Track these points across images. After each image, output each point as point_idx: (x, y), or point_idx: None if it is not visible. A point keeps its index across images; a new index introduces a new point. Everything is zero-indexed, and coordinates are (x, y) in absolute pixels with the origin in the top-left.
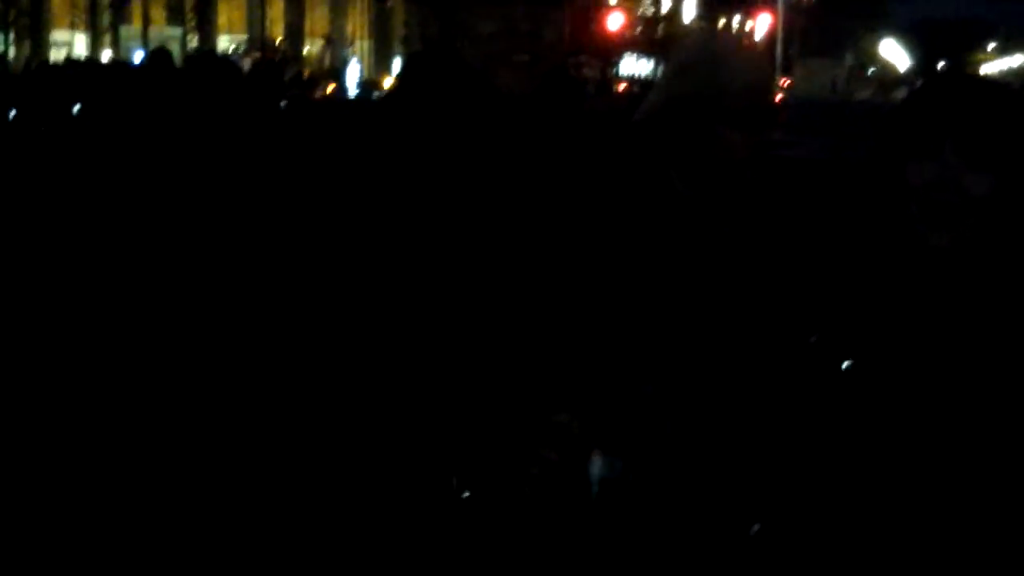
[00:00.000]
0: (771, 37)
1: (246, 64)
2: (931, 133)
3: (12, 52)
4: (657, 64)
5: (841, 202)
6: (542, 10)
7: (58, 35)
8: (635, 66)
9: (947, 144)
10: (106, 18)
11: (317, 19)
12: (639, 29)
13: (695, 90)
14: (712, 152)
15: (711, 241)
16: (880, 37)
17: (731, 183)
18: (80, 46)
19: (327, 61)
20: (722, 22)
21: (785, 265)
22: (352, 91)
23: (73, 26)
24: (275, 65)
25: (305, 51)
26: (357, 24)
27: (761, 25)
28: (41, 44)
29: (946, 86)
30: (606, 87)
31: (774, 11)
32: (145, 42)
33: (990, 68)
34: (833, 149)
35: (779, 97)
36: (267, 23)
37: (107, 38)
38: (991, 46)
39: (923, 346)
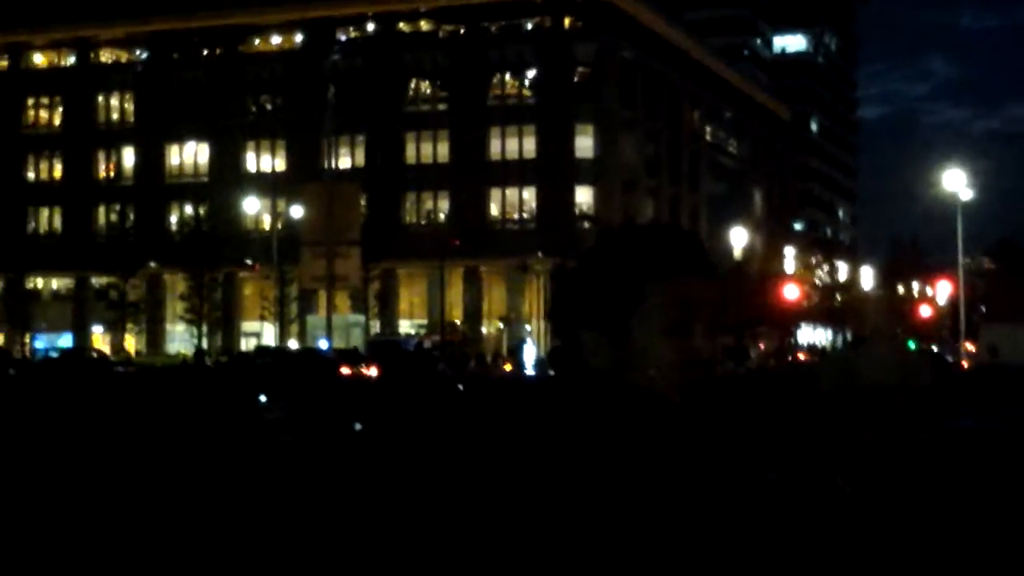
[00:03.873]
0: (953, 303)
1: (428, 345)
2: None
3: (206, 343)
4: (836, 333)
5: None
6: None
7: (248, 326)
8: (813, 335)
9: None
10: (294, 309)
11: (495, 301)
12: (816, 299)
13: (832, 388)
14: (853, 450)
15: (868, 541)
16: None
17: (886, 476)
18: (268, 336)
19: (504, 341)
20: (900, 289)
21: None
22: (528, 370)
23: (263, 317)
24: (454, 348)
25: (483, 332)
26: (533, 304)
27: (941, 291)
28: (233, 334)
29: None
30: (783, 355)
31: (954, 277)
32: (329, 330)
33: None
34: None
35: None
36: (446, 306)
37: (294, 327)
38: None
39: None
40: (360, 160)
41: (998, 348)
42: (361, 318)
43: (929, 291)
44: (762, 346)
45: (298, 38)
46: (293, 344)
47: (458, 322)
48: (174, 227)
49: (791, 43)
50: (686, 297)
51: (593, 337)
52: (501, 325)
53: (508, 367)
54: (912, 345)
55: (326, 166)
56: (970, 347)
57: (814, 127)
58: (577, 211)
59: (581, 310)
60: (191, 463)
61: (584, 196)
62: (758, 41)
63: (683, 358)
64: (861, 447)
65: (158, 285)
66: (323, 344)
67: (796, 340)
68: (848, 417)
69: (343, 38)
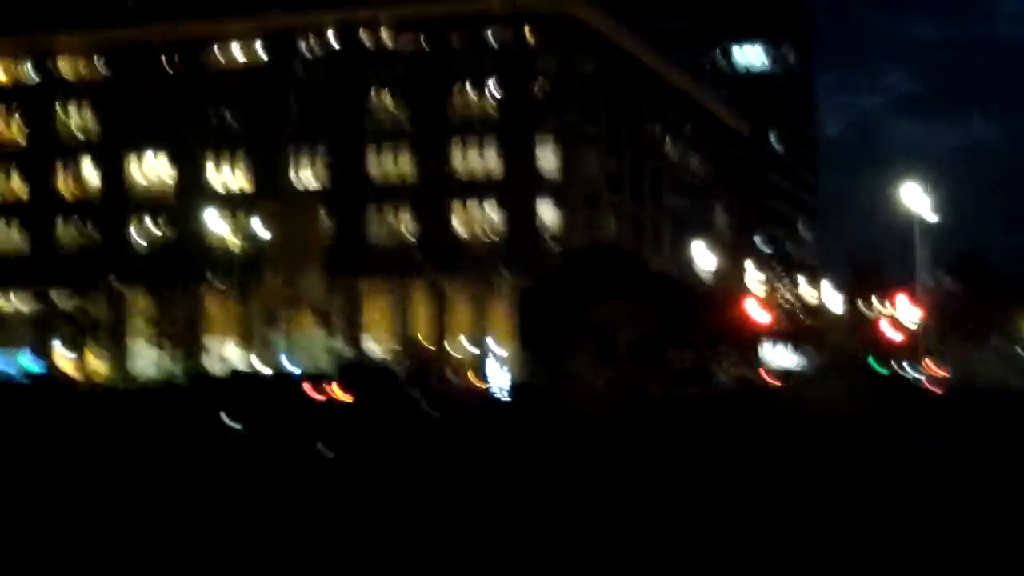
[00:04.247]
0: (922, 323)
1: (399, 369)
2: None
3: (169, 362)
4: (797, 351)
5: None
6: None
7: (213, 344)
8: (775, 352)
9: None
10: (258, 327)
11: (459, 317)
12: (781, 317)
13: (785, 417)
14: (806, 480)
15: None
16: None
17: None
18: (232, 355)
19: (469, 358)
20: (861, 306)
21: None
22: (495, 389)
23: (227, 335)
24: (424, 369)
25: (448, 349)
26: (498, 322)
27: (901, 308)
28: (196, 354)
29: None
30: (748, 375)
31: (913, 295)
32: (292, 348)
33: None
34: (993, 444)
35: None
36: (411, 323)
37: (261, 345)
38: None
39: None
40: (322, 174)
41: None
42: (334, 341)
43: (890, 309)
44: (724, 365)
45: (259, 49)
46: (256, 362)
47: (421, 339)
48: (137, 242)
49: (751, 56)
50: (614, 322)
51: (530, 360)
52: (466, 342)
53: (475, 383)
54: (874, 365)
55: (289, 180)
56: (932, 367)
57: (774, 142)
58: (540, 227)
59: (523, 334)
60: (155, 485)
61: (548, 212)
62: (718, 54)
63: (610, 383)
64: (815, 477)
65: (121, 302)
66: (284, 361)
67: (759, 359)
68: (801, 447)
69: (304, 48)
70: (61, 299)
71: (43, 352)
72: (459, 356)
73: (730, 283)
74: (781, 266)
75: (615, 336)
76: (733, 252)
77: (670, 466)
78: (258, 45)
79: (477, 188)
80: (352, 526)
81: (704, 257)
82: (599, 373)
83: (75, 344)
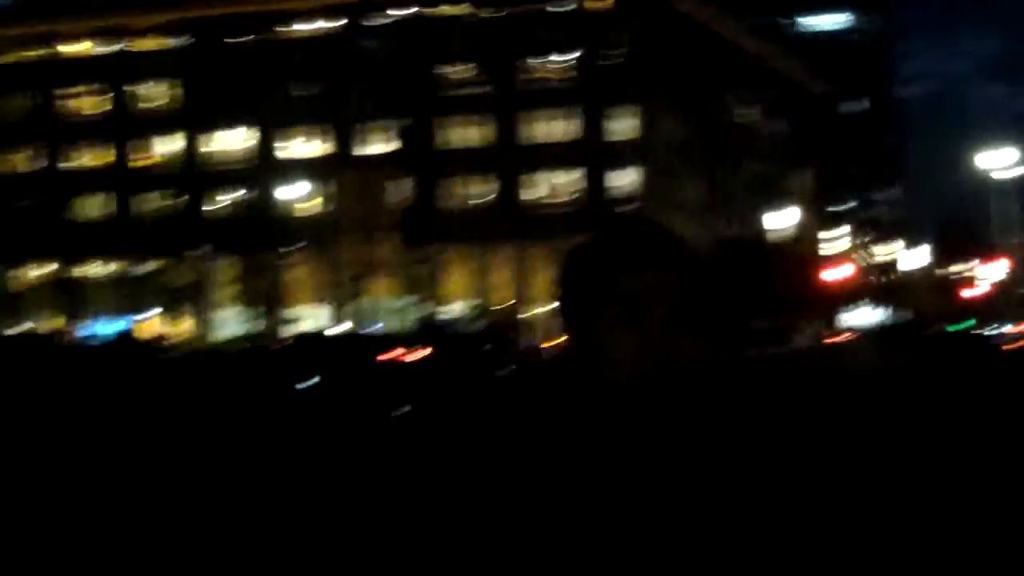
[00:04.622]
0: (1005, 281)
1: (476, 327)
2: None
3: (260, 326)
4: (888, 312)
5: None
6: None
7: (301, 310)
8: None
9: None
10: (346, 293)
11: (541, 283)
12: (866, 278)
13: None
14: None
15: None
16: None
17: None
18: (322, 319)
19: (550, 323)
20: (952, 268)
21: None
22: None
23: (316, 301)
24: (502, 329)
25: (531, 313)
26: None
27: (992, 269)
28: (284, 319)
29: None
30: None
31: (1007, 256)
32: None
33: None
34: None
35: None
36: (495, 289)
37: (349, 309)
38: None
39: None
40: (400, 144)
41: None
42: (412, 300)
43: (976, 266)
44: (807, 326)
45: (331, 21)
46: (337, 327)
47: (506, 304)
48: (221, 212)
49: (828, 21)
50: (639, 291)
51: (564, 330)
52: (543, 308)
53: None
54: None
55: (367, 151)
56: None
57: (855, 106)
58: (618, 194)
59: (560, 304)
60: (226, 451)
61: (624, 178)
62: (796, 20)
63: (637, 351)
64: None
65: (206, 269)
66: (375, 327)
67: (844, 320)
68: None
69: (377, 23)
70: (149, 267)
71: (132, 321)
72: (542, 319)
73: (813, 245)
74: (868, 228)
75: (642, 305)
76: (816, 216)
77: (685, 442)
78: (331, 17)
79: (555, 156)
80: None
81: (785, 220)
82: (626, 342)
83: (163, 311)
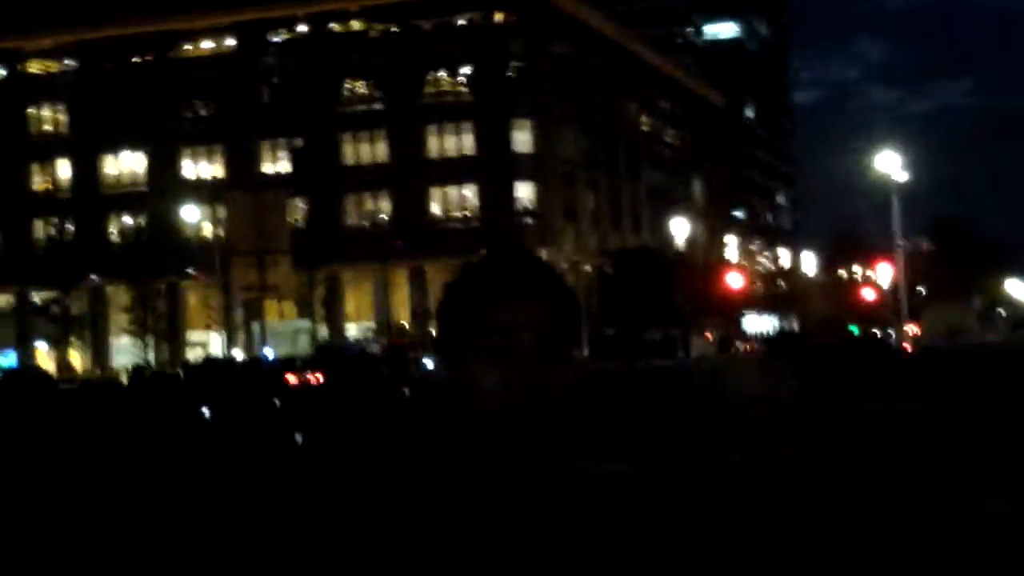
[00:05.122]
0: (895, 285)
1: (375, 350)
2: None
3: (152, 355)
4: (781, 319)
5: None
6: None
7: (194, 336)
8: (758, 323)
9: None
10: (239, 316)
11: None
12: (760, 286)
13: (702, 401)
14: (721, 469)
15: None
16: (1006, 278)
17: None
18: (215, 345)
19: None
20: (842, 273)
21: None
22: None
23: (208, 326)
24: (401, 351)
25: (432, 332)
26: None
27: (882, 274)
28: (179, 345)
29: None
30: (728, 344)
31: (894, 260)
32: (263, 337)
33: None
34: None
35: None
36: (394, 308)
37: (240, 335)
38: None
39: None
40: (297, 163)
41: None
42: (307, 323)
43: (871, 274)
44: (708, 336)
45: (230, 42)
46: (239, 353)
47: (406, 324)
48: (114, 238)
49: (723, 31)
50: (509, 322)
51: (438, 363)
52: None
53: None
54: (855, 330)
55: (262, 171)
56: (913, 329)
57: (749, 114)
58: (518, 207)
59: (434, 338)
60: (133, 478)
61: (524, 191)
62: (690, 30)
63: (504, 384)
64: (730, 466)
65: (100, 298)
66: (268, 352)
67: (741, 328)
68: (716, 434)
69: (275, 40)
70: (41, 296)
71: (25, 351)
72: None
73: (709, 254)
74: (760, 236)
75: (512, 337)
76: (711, 223)
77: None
78: (229, 38)
79: (453, 170)
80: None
81: (682, 230)
82: (496, 374)
83: (56, 341)
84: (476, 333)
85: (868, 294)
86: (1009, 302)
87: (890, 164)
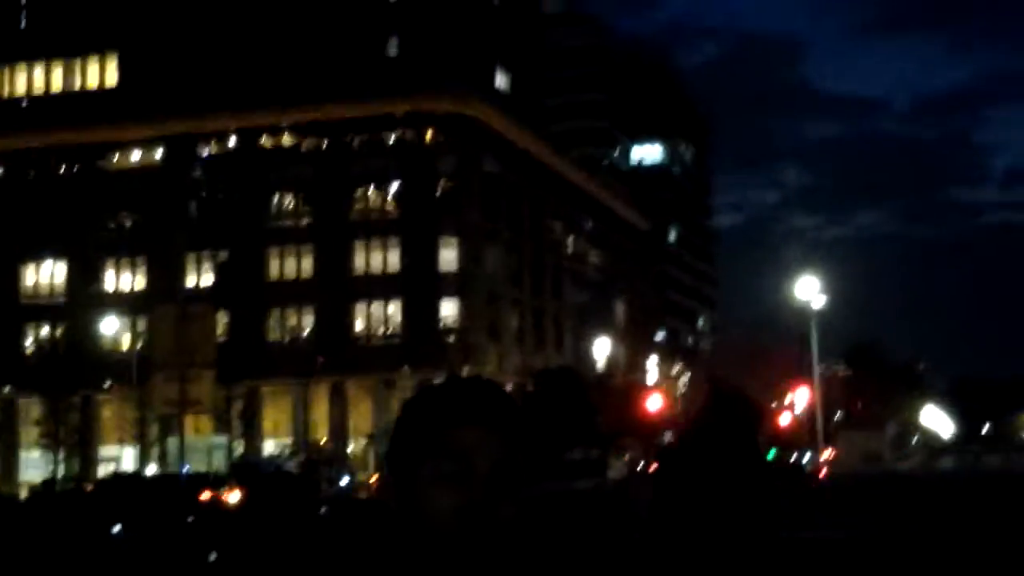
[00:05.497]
0: (811, 409)
1: (292, 467)
2: None
3: (62, 469)
4: None
5: None
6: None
7: (106, 451)
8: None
9: None
10: (154, 431)
11: (361, 417)
12: (679, 408)
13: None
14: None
15: None
16: (921, 404)
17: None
18: (128, 460)
19: (371, 458)
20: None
21: None
22: None
23: (122, 441)
24: (315, 467)
25: (349, 450)
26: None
27: (799, 398)
28: (91, 460)
29: None
30: (635, 465)
31: (811, 383)
32: (182, 454)
33: None
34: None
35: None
36: (313, 424)
37: (155, 451)
38: None
39: None
40: (221, 277)
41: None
42: (223, 439)
43: (785, 396)
44: (627, 457)
45: (159, 154)
46: (153, 469)
47: (324, 440)
48: (29, 349)
49: (649, 154)
50: (466, 446)
51: (388, 481)
52: (367, 441)
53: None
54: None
55: (187, 284)
56: (826, 452)
57: (673, 236)
58: (442, 324)
59: (386, 456)
60: None
61: (449, 309)
62: (616, 152)
63: (456, 509)
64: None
65: (12, 410)
66: (184, 467)
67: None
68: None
69: (204, 153)
70: None
71: None
72: (360, 456)
73: (631, 375)
74: (681, 357)
75: (468, 462)
76: (634, 345)
77: None
78: (157, 150)
79: (378, 287)
80: None
81: (604, 351)
82: (449, 498)
83: None
84: (431, 455)
85: (784, 418)
86: (925, 432)
87: (807, 289)
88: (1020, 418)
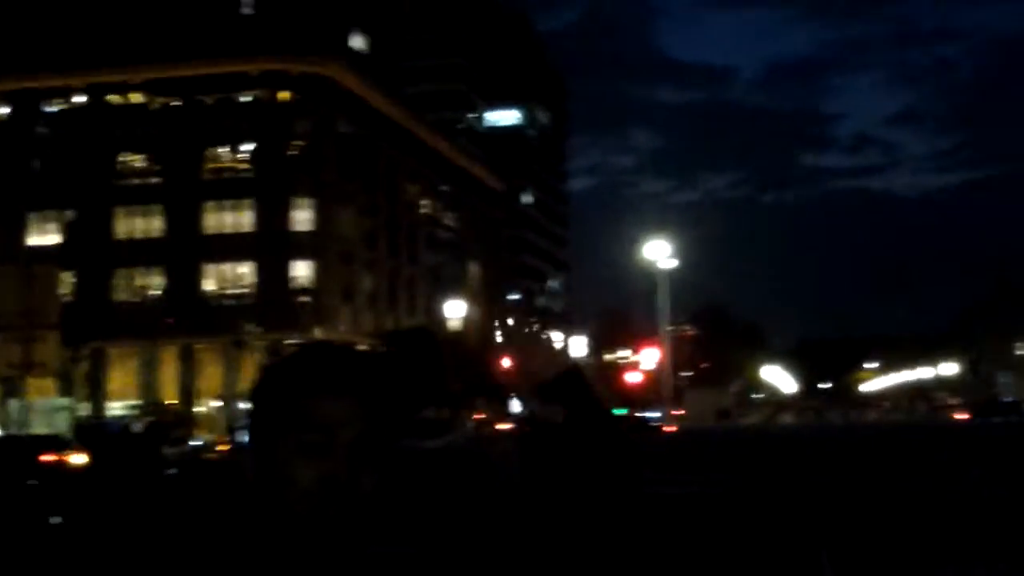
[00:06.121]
0: (660, 369)
1: (139, 428)
2: None
3: None
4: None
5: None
6: None
7: None
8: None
9: None
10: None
11: (211, 378)
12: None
13: None
14: None
15: None
16: (763, 363)
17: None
18: None
19: (221, 420)
20: (608, 357)
21: None
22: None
23: None
24: (162, 428)
25: (199, 411)
26: (249, 381)
27: (648, 358)
28: None
29: None
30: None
31: (660, 344)
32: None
33: (871, 386)
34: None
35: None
36: (162, 386)
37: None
38: (872, 365)
39: None
40: (67, 236)
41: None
42: (66, 401)
43: (633, 355)
44: (476, 416)
45: (3, 110)
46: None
47: (172, 402)
48: None
49: (505, 117)
50: (329, 417)
51: (246, 455)
52: (216, 403)
53: (226, 447)
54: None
55: (30, 243)
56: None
57: (527, 199)
58: (295, 285)
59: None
60: None
61: (303, 270)
62: (472, 115)
63: (319, 480)
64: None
65: None
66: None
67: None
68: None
69: (49, 110)
70: None
71: None
72: (208, 417)
73: (483, 336)
74: (533, 318)
75: (331, 433)
76: (487, 306)
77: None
78: (1, 106)
79: (231, 247)
80: None
81: (458, 312)
82: (310, 470)
83: None
84: (293, 427)
85: (633, 377)
86: (769, 389)
87: (658, 252)
88: (856, 376)
